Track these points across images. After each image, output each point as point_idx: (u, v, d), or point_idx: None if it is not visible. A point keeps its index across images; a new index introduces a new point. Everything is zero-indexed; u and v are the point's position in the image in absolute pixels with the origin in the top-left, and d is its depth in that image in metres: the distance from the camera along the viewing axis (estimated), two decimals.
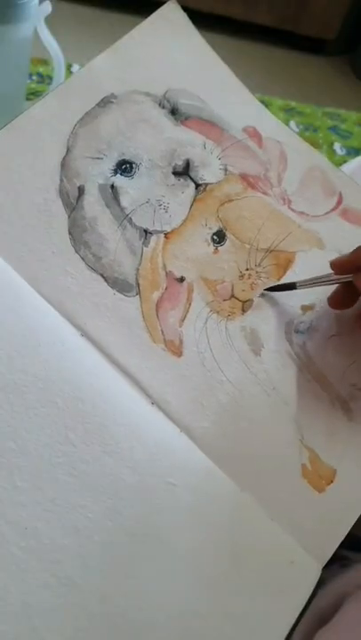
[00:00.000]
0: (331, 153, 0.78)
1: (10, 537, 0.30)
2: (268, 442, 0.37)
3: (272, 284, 0.40)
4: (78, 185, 0.38)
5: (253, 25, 1.87)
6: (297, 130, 0.77)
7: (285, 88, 1.68)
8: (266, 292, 0.40)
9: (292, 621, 0.32)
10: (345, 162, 0.73)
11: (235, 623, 0.32)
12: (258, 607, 0.33)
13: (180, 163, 0.40)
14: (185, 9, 0.44)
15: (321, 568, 0.35)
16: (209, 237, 0.40)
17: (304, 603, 0.33)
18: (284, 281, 0.40)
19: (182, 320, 0.38)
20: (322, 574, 0.34)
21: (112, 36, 0.41)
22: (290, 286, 0.39)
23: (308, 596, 0.33)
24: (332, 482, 0.37)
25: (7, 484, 0.31)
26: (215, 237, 0.40)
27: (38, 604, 0.30)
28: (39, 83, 0.69)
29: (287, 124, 0.43)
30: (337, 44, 2.03)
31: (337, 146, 0.79)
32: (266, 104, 0.45)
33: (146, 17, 0.43)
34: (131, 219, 0.38)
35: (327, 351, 0.39)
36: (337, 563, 0.36)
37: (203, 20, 0.49)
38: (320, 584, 0.34)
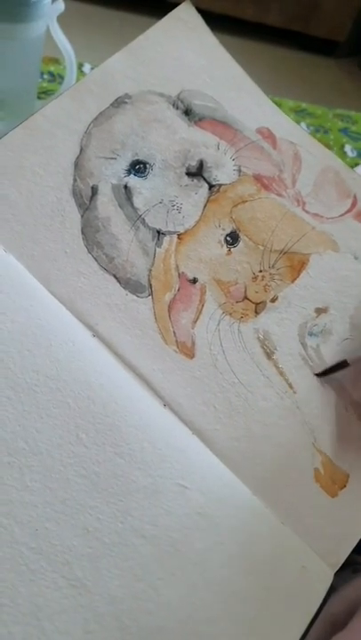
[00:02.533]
0: (342, 155, 0.77)
1: (20, 537, 0.30)
2: (280, 445, 0.37)
3: (287, 289, 0.40)
4: (92, 185, 0.38)
5: (264, 26, 1.87)
6: (308, 131, 0.77)
7: (295, 89, 1.68)
8: (320, 374, 0.39)
9: (304, 627, 0.32)
10: (356, 164, 0.72)
11: (245, 628, 0.32)
12: (269, 612, 0.33)
13: (194, 163, 0.40)
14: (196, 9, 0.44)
15: (333, 573, 0.34)
16: (222, 238, 0.39)
17: (316, 608, 0.33)
18: (297, 283, 0.40)
19: (195, 322, 0.38)
20: (334, 580, 0.34)
21: (123, 36, 0.41)
22: (342, 365, 0.38)
23: (320, 602, 0.33)
24: (345, 486, 0.37)
25: (18, 485, 0.31)
26: (228, 238, 0.40)
27: (47, 605, 0.29)
28: (50, 82, 0.69)
29: (298, 125, 0.43)
30: (347, 45, 2.03)
31: (348, 148, 0.79)
32: (277, 105, 0.45)
33: (156, 16, 0.43)
34: (144, 219, 0.38)
35: (341, 354, 0.39)
36: (349, 568, 0.36)
37: (213, 20, 0.49)
38: (332, 590, 0.34)
